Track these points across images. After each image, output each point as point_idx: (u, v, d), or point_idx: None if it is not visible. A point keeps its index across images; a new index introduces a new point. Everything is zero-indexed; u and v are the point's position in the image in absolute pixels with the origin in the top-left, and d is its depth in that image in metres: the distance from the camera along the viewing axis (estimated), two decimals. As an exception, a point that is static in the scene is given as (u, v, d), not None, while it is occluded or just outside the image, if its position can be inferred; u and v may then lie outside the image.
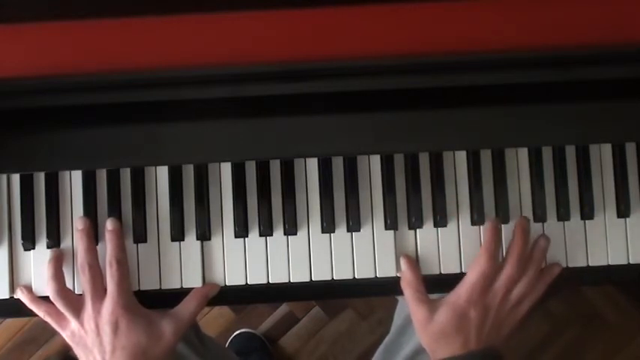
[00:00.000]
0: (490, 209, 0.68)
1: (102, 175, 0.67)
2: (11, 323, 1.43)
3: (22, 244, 0.66)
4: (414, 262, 0.67)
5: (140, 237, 0.67)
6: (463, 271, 0.67)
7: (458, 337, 0.64)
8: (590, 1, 0.57)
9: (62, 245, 0.66)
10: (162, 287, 0.67)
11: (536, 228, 0.68)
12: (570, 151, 0.69)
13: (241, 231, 0.67)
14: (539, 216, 0.68)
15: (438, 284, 0.67)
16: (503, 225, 0.67)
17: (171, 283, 0.67)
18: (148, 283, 0.66)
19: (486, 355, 0.64)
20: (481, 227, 0.68)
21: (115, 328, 0.62)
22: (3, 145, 0.61)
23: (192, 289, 0.66)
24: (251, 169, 0.67)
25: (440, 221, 0.68)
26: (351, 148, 0.63)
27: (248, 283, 0.67)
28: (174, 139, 0.61)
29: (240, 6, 0.56)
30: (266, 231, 0.67)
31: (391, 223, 0.67)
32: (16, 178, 0.67)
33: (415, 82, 0.59)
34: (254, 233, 0.67)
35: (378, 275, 0.67)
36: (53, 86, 0.57)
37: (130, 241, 0.66)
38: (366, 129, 0.62)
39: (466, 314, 0.64)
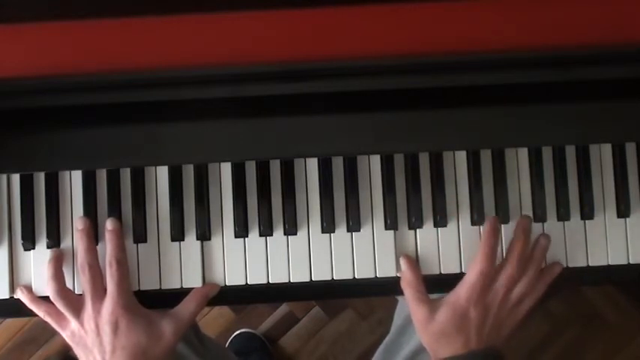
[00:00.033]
0: (490, 209, 0.68)
1: (102, 175, 0.67)
2: (11, 323, 1.42)
3: (22, 244, 0.66)
4: (414, 262, 0.67)
5: (140, 237, 0.67)
6: (463, 271, 0.67)
7: (459, 337, 0.64)
8: (590, 1, 0.57)
9: (62, 245, 0.66)
10: (162, 287, 0.67)
11: (536, 228, 0.68)
12: (570, 151, 0.69)
13: (241, 231, 0.67)
14: (539, 216, 0.68)
15: (438, 284, 0.67)
16: (503, 225, 0.68)
17: (171, 283, 0.67)
18: (148, 283, 0.66)
19: (487, 354, 0.64)
20: (481, 227, 0.68)
21: (115, 328, 0.62)
22: (3, 145, 0.61)
23: (192, 289, 0.66)
24: (251, 169, 0.67)
25: (440, 221, 0.68)
26: (351, 148, 0.63)
27: (248, 283, 0.67)
28: (174, 139, 0.61)
29: (240, 6, 0.56)
30: (266, 231, 0.67)
31: (391, 223, 0.67)
32: (16, 178, 0.67)
33: (415, 82, 0.59)
34: (254, 233, 0.67)
35: (378, 275, 0.67)
36: (53, 86, 0.57)
37: (130, 241, 0.66)
38: (366, 129, 0.62)
39: (466, 314, 0.64)
